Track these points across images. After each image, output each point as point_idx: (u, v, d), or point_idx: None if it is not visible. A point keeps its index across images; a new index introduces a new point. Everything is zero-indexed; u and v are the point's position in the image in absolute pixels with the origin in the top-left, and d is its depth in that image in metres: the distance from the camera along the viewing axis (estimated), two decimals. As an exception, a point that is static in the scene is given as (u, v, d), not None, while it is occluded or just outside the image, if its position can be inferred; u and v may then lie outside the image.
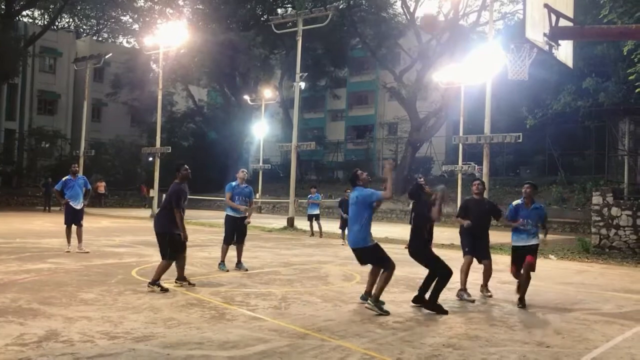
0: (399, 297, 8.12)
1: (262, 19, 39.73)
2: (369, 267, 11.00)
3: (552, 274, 11.40)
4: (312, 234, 18.39)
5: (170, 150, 27.12)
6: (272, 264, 11.41)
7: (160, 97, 27.23)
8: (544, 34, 5.54)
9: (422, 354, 5.27)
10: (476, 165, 25.15)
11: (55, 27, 39.66)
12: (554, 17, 5.57)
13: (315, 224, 18.32)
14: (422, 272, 10.76)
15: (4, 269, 9.27)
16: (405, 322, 6.53)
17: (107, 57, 29.81)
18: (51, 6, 38.61)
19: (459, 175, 26.06)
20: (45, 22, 39.02)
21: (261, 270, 10.41)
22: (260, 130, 37.43)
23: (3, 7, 34.91)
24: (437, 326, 6.44)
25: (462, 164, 25.81)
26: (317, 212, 18.51)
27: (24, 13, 37.78)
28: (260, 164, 36.24)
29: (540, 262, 13.57)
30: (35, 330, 5.51)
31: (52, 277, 8.83)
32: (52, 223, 18.33)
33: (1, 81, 35.98)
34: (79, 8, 41.03)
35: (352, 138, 52.14)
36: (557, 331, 6.34)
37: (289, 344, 5.42)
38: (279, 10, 38.53)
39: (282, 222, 22.33)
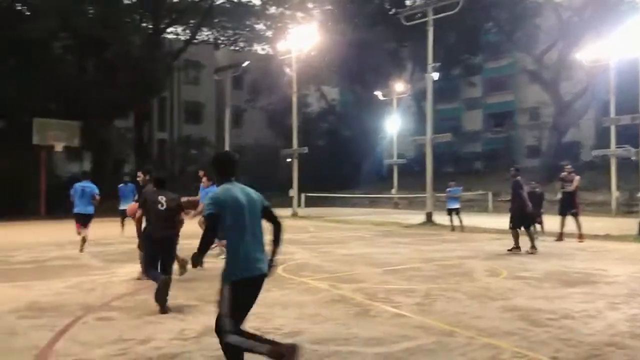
0: (550, 292, 7.63)
1: (389, 12, 39.53)
2: (513, 263, 10.51)
3: None
4: (453, 228, 17.91)
5: (307, 151, 27.87)
6: (413, 260, 11.27)
7: (294, 99, 28.05)
8: None
9: (580, 353, 4.90)
10: (632, 149, 23.01)
11: (196, 40, 42.42)
12: None
13: (455, 218, 17.84)
14: (576, 266, 10.07)
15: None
16: (560, 319, 6.11)
17: (244, 65, 31.34)
18: (191, 21, 41.31)
19: (613, 160, 24.03)
20: (188, 37, 41.82)
21: (402, 266, 10.31)
22: (393, 125, 37.24)
23: (151, 26, 38.00)
24: (595, 323, 5.95)
25: (616, 147, 23.74)
26: (457, 205, 18.00)
27: (168, 30, 40.86)
28: (395, 158, 36.04)
29: None
30: (194, 325, 5.89)
31: (207, 275, 9.40)
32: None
33: (153, 95, 39.18)
34: (216, 21, 43.46)
35: (491, 127, 50.11)
36: None
37: (436, 341, 5.30)
38: (407, 2, 38.08)
39: (419, 217, 22.03)
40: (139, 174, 8.20)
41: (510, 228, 12.31)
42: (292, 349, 3.92)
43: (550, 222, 15.18)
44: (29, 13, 30.31)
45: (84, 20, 30.23)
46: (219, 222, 4.03)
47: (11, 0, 30.67)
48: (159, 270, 6.92)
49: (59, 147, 28.19)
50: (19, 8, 31.15)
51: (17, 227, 20.73)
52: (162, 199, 7.06)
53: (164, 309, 6.49)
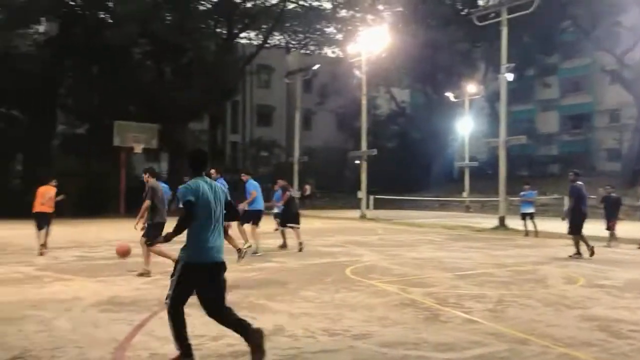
0: (633, 303, 7.27)
1: (461, 13, 38.83)
2: (592, 271, 10.11)
3: None
4: (527, 233, 17.36)
5: (376, 153, 27.79)
6: (485, 265, 11.02)
7: (364, 102, 28.02)
8: None
9: (667, 369, 4.65)
10: None
11: (267, 45, 43.16)
12: None
13: (529, 222, 17.30)
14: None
15: (237, 267, 10.29)
16: (644, 331, 5.82)
17: (314, 68, 31.62)
18: (263, 26, 42.09)
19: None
20: (260, 42, 42.63)
21: (473, 271, 10.11)
22: (465, 127, 36.53)
23: (225, 31, 39.02)
24: (684, 338, 5.62)
25: None
26: (531, 210, 17.45)
27: (241, 35, 41.78)
28: (466, 161, 35.33)
29: None
30: (265, 324, 5.97)
31: (276, 275, 9.58)
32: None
33: (226, 99, 40.20)
34: (288, 25, 44.03)
35: (568, 129, 48.15)
36: None
37: (509, 348, 5.16)
38: (480, 2, 37.25)
39: (491, 221, 21.50)
40: (144, 175, 9.64)
41: (569, 234, 12.14)
42: None
43: (630, 227, 14.46)
44: (111, 21, 31.81)
45: (162, 26, 31.41)
46: (196, 209, 4.49)
47: (95, 8, 32.29)
48: None
49: (138, 148, 29.40)
50: (102, 16, 32.76)
51: (99, 225, 21.78)
52: None
53: None
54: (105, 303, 7.06)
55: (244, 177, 12.73)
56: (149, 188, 9.30)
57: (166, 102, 31.22)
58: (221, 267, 4.66)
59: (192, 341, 4.94)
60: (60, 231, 13.84)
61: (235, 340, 5.34)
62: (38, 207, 12.71)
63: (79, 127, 33.38)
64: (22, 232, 15.12)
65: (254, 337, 4.58)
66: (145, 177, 9.63)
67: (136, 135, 29.10)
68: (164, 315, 6.40)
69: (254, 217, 12.23)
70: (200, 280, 4.57)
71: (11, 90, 27.92)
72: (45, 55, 30.26)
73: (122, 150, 28.99)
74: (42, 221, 12.63)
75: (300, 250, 12.95)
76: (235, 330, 4.67)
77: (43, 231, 12.56)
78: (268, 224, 15.02)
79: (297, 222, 13.46)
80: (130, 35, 29.94)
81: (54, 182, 13.16)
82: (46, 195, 12.78)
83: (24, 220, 15.35)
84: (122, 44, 29.69)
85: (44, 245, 12.41)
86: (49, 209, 12.80)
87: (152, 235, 8.79)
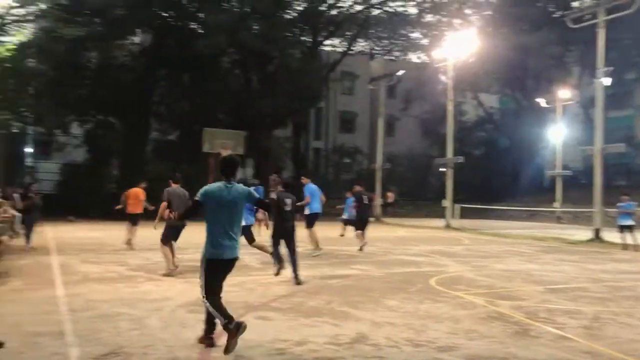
0: None
1: (554, 15, 37.27)
2: None
3: None
4: (625, 247, 16.30)
5: (462, 160, 27.13)
6: (578, 279, 10.44)
7: (450, 108, 27.45)
8: None
9: None
10: None
11: (351, 51, 43.22)
12: None
13: (628, 235, 16.24)
14: None
15: (319, 273, 10.33)
16: None
17: (399, 74, 31.32)
18: (347, 33, 42.20)
19: None
20: (344, 49, 42.77)
21: (566, 285, 9.60)
22: (557, 134, 34.96)
23: (310, 39, 39.52)
24: None
25: None
26: (630, 222, 16.37)
27: (326, 42, 42.08)
28: (558, 170, 33.79)
29: None
30: (347, 331, 5.96)
31: (359, 282, 9.51)
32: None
33: (310, 106, 40.65)
34: (372, 31, 43.90)
35: (672, 136, 44.96)
36: None
37: (607, 370, 4.84)
38: (575, 3, 35.60)
39: (585, 233, 20.39)
40: (170, 181, 10.61)
41: None
42: (236, 328, 4.90)
43: None
44: (201, 31, 33.01)
45: (249, 35, 32.19)
46: (200, 206, 5.30)
47: (187, 19, 33.64)
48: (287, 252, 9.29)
49: (225, 154, 30.22)
50: (193, 26, 34.06)
51: (188, 228, 22.48)
52: (288, 201, 9.24)
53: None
54: (193, 304, 7.26)
55: (303, 180, 13.91)
56: (166, 193, 10.29)
57: (253, 110, 31.97)
58: (234, 262, 5.33)
59: (276, 345, 4.99)
60: (153, 233, 14.33)
61: (318, 347, 5.34)
62: (129, 208, 14.40)
63: (170, 134, 34.83)
64: (116, 233, 15.91)
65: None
66: (170, 183, 10.66)
67: (224, 142, 29.91)
68: (249, 318, 6.54)
69: (308, 220, 13.38)
70: (218, 271, 5.27)
71: (110, 99, 29.60)
72: (140, 65, 31.83)
73: (210, 155, 29.93)
74: (133, 220, 14.27)
75: (360, 250, 14.16)
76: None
77: (134, 228, 14.20)
78: (346, 230, 15.01)
79: (362, 229, 14.69)
80: (220, 45, 30.91)
81: (143, 185, 14.86)
82: (137, 197, 14.39)
83: (119, 222, 16.25)
84: (211, 53, 30.72)
85: (130, 241, 14.04)
86: (138, 209, 14.33)
87: (165, 235, 10.03)
